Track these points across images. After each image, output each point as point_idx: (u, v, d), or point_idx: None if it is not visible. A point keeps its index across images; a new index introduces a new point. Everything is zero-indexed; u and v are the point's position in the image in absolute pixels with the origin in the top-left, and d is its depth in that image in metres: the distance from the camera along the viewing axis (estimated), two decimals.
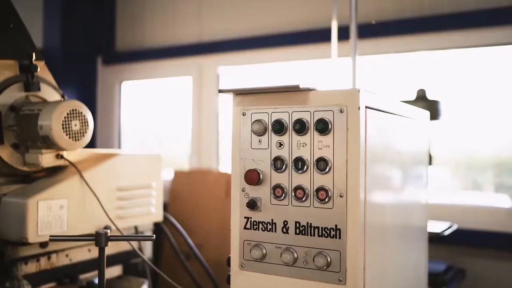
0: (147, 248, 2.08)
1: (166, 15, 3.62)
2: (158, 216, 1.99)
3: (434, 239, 2.01)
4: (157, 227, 2.06)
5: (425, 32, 2.61)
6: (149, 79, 3.79)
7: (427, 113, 1.59)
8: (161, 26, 3.64)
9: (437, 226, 2.15)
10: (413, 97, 2.21)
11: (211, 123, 3.42)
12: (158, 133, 3.96)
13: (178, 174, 3.30)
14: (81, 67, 3.82)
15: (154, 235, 1.18)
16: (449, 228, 2.17)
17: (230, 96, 1.14)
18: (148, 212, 1.93)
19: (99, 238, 1.12)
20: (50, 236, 1.14)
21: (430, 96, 2.20)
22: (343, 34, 2.10)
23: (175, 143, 3.86)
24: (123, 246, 1.89)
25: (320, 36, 2.71)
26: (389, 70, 2.82)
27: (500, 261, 2.49)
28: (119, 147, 3.87)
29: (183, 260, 2.04)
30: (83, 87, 3.80)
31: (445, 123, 2.41)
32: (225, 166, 3.41)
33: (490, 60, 2.66)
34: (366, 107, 1.02)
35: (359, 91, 1.00)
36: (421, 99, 2.18)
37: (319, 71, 3.02)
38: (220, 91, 1.12)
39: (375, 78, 2.82)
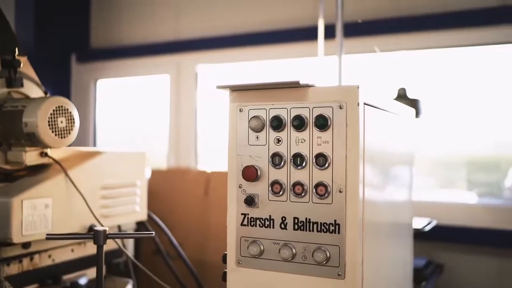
0: (129, 248, 2.06)
1: (143, 11, 3.57)
2: (142, 215, 1.97)
3: (414, 235, 2.05)
4: (139, 226, 2.03)
5: (406, 31, 2.65)
6: (126, 77, 3.73)
7: (413, 111, 1.61)
8: (138, 23, 3.60)
9: (417, 222, 2.19)
10: (394, 95, 2.24)
11: (190, 122, 3.40)
12: (136, 131, 3.90)
13: (156, 173, 3.26)
14: (55, 64, 3.72)
15: (153, 232, 1.17)
16: (428, 224, 2.21)
17: (225, 92, 1.14)
18: (132, 210, 1.90)
19: (98, 236, 1.10)
20: (47, 234, 1.11)
21: (410, 94, 2.24)
22: (328, 32, 2.11)
23: (153, 142, 3.81)
24: (106, 245, 1.85)
25: (305, 34, 2.72)
26: (372, 68, 2.85)
27: (475, 256, 2.56)
28: (94, 146, 3.80)
29: (167, 259, 2.03)
30: (57, 85, 3.71)
31: (423, 122, 2.46)
32: (204, 164, 3.40)
33: (471, 60, 2.72)
34: (364, 103, 1.03)
35: (358, 88, 1.01)
36: (402, 98, 2.22)
37: (303, 69, 3.03)
38: (217, 87, 1.12)
39: (359, 76, 2.85)
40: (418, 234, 2.07)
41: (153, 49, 3.49)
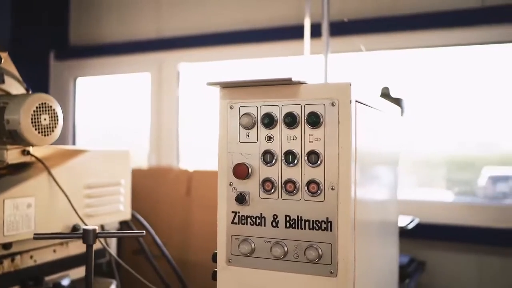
0: (112, 248, 2.03)
1: (124, 9, 3.52)
2: (126, 214, 1.94)
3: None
4: (123, 225, 2.01)
5: (392, 31, 2.67)
6: (106, 75, 3.68)
7: (398, 110, 1.63)
8: (118, 20, 3.54)
9: (401, 220, 2.20)
10: (378, 94, 2.26)
11: (171, 121, 3.36)
12: (116, 130, 3.85)
13: (137, 172, 3.21)
14: (32, 62, 3.63)
15: (144, 231, 1.15)
16: (411, 222, 2.23)
17: (216, 89, 1.13)
18: (116, 210, 1.88)
19: (87, 235, 1.07)
20: (35, 234, 1.08)
21: (393, 93, 2.25)
22: (314, 31, 2.11)
23: (133, 140, 3.77)
24: None
25: (290, 33, 2.71)
26: (357, 67, 2.86)
27: (456, 252, 2.59)
28: (74, 144, 3.74)
29: (151, 258, 2.01)
30: (35, 83, 3.61)
31: (405, 121, 2.48)
32: (186, 163, 3.37)
33: (452, 61, 2.75)
34: (356, 101, 1.03)
35: (350, 85, 1.01)
36: (385, 97, 2.23)
37: (288, 68, 3.02)
38: (208, 83, 1.11)
39: (345, 75, 2.85)
40: (402, 232, 2.08)
41: (134, 47, 3.44)
